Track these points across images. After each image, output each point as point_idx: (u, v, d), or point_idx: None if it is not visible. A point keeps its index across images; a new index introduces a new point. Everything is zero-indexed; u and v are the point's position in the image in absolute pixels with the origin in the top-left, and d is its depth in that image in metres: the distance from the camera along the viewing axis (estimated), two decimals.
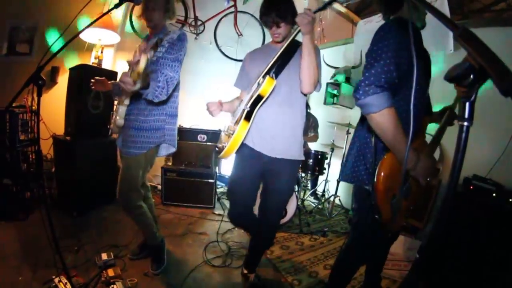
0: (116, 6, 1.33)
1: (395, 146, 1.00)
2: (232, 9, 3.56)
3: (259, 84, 1.49)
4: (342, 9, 4.15)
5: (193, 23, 3.51)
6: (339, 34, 4.13)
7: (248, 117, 1.48)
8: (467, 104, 0.57)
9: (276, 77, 1.49)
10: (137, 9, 1.74)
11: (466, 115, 0.57)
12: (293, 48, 1.50)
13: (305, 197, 3.50)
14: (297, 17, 1.30)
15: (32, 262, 1.78)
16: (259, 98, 1.46)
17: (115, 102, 2.89)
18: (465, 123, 0.57)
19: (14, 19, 3.14)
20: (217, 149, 1.64)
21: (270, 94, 1.46)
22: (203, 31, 3.57)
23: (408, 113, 0.80)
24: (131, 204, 1.72)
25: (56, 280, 1.55)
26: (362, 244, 1.32)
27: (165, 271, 1.90)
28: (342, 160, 3.20)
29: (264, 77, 1.47)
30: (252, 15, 3.57)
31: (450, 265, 1.99)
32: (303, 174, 3.34)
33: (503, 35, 2.50)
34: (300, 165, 3.12)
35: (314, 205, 3.47)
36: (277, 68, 1.51)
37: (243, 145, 1.54)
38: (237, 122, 1.53)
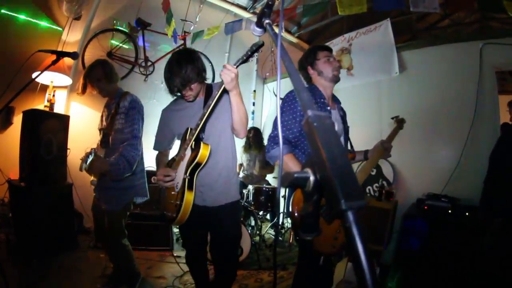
0: (54, 62, 1.41)
1: None
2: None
3: (192, 149, 1.45)
4: (293, 39, 4.30)
5: (143, 64, 3.54)
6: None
7: (190, 186, 1.45)
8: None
9: (204, 131, 1.48)
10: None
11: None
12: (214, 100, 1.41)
13: (265, 231, 3.48)
14: (221, 74, 1.25)
15: None
16: (197, 165, 1.42)
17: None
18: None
19: None
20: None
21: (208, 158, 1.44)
22: (152, 72, 3.59)
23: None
24: (119, 244, 1.97)
25: None
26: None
27: None
28: None
29: (196, 140, 1.44)
30: (201, 53, 3.63)
31: None
32: (260, 213, 3.35)
33: (451, 51, 2.63)
34: (253, 203, 3.16)
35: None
36: (204, 124, 1.47)
37: None
38: (179, 193, 1.47)
